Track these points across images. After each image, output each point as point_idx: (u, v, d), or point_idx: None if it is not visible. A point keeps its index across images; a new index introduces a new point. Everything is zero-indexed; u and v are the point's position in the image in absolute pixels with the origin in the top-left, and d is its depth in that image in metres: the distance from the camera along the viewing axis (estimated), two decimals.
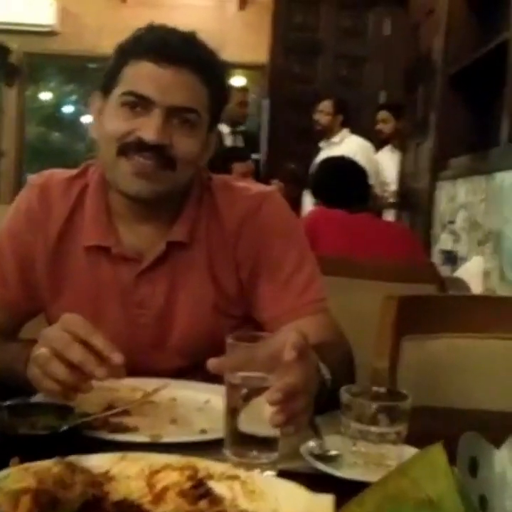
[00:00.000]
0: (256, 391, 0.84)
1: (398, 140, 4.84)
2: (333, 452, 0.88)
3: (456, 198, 3.59)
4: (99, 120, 1.18)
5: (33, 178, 1.27)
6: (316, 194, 2.71)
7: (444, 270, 3.27)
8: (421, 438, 0.89)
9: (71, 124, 9.47)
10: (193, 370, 1.20)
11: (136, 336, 1.21)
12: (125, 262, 1.20)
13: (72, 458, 0.75)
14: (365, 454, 0.87)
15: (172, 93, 1.11)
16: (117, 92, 1.14)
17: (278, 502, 0.71)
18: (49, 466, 0.71)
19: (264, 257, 1.20)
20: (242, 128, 5.32)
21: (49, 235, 1.21)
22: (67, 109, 9.79)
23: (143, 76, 1.12)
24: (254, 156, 5.10)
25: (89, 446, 0.86)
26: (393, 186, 4.82)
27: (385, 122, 4.93)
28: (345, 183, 2.58)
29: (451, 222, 3.59)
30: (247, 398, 0.85)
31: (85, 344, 0.93)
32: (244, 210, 1.21)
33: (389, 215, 4.82)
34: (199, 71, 1.13)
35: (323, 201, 2.59)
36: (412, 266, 2.21)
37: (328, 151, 4.72)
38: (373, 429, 0.85)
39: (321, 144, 4.97)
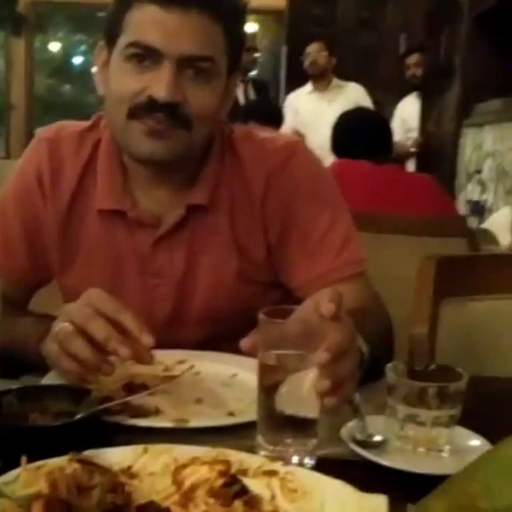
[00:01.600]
0: (293, 369, 0.75)
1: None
2: (377, 437, 0.79)
3: (483, 145, 3.44)
4: (104, 74, 1.06)
5: (41, 132, 1.15)
6: (338, 149, 2.57)
7: (471, 221, 3.15)
8: (470, 414, 0.81)
9: (81, 76, 9.27)
10: (216, 340, 1.11)
11: (155, 306, 1.12)
12: (142, 227, 1.10)
13: (90, 453, 0.67)
14: (413, 438, 0.78)
15: (182, 41, 0.98)
16: (122, 42, 1.01)
17: (323, 504, 0.63)
18: (63, 464, 0.63)
19: (295, 217, 1.09)
20: (252, 75, 5.14)
21: (60, 197, 1.11)
22: (77, 60, 9.58)
23: (148, 23, 0.99)
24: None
25: (107, 433, 0.78)
26: (415, 134, 4.65)
27: (419, 66, 4.69)
28: (370, 134, 2.44)
29: (478, 171, 3.45)
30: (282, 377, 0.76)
31: (112, 322, 0.85)
32: (271, 166, 1.09)
33: (410, 164, 4.67)
34: (210, 9, 0.99)
35: (346, 155, 2.45)
36: (441, 219, 2.10)
37: (333, 97, 4.57)
38: (424, 412, 0.76)
39: (311, 88, 4.74)
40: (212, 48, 1.01)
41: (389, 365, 0.80)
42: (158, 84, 0.98)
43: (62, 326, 0.87)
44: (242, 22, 1.10)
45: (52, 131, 1.14)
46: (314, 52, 4.65)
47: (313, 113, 4.68)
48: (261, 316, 0.77)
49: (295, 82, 5.14)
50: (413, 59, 4.77)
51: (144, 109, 0.99)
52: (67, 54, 9.31)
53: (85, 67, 9.23)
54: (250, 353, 0.77)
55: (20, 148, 6.61)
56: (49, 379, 0.92)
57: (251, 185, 1.09)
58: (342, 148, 2.53)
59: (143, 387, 0.93)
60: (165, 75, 0.98)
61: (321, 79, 4.71)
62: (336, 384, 0.72)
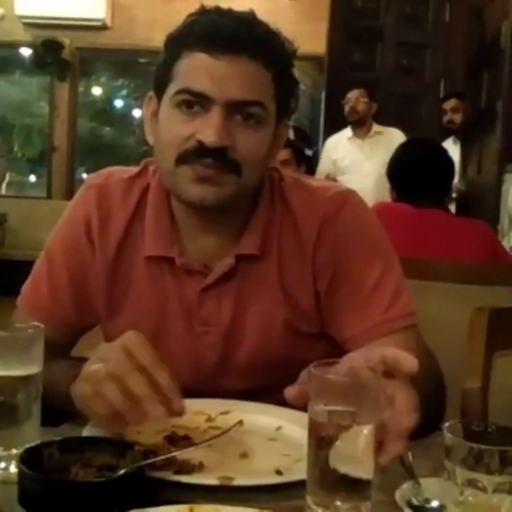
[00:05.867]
0: (345, 426, 0.72)
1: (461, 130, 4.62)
2: (434, 503, 0.75)
3: None
4: (153, 124, 1.06)
5: (90, 178, 1.15)
6: (393, 183, 2.42)
7: None
8: None
9: (122, 119, 9.47)
10: (261, 391, 1.08)
11: (201, 355, 1.09)
12: (190, 275, 1.09)
13: None
14: (473, 505, 0.73)
15: (231, 86, 0.98)
16: (171, 90, 1.01)
17: None
18: None
19: (346, 268, 1.07)
20: (290, 121, 5.16)
21: (108, 244, 1.10)
22: (118, 103, 9.80)
23: (197, 70, 0.99)
24: (307, 151, 4.94)
25: (150, 488, 0.75)
26: (456, 180, 4.60)
27: (455, 111, 4.69)
28: (435, 176, 2.26)
29: None
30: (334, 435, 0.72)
31: (147, 374, 0.82)
32: (324, 215, 1.07)
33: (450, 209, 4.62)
34: (259, 55, 0.99)
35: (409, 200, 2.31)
36: (487, 267, 2.04)
37: (373, 145, 4.56)
38: (485, 477, 0.72)
39: (351, 134, 4.71)
40: (261, 93, 1.00)
41: (446, 425, 0.76)
42: (207, 128, 0.97)
43: (96, 367, 0.84)
44: (291, 68, 1.09)
45: (101, 178, 1.14)
46: (354, 98, 4.63)
47: (352, 160, 4.67)
48: (311, 369, 0.74)
49: (334, 127, 5.16)
50: (450, 104, 4.76)
51: (193, 154, 0.99)
52: (108, 98, 9.53)
53: (126, 110, 9.44)
54: (294, 403, 0.74)
55: (62, 189, 6.74)
56: (89, 429, 0.90)
57: (302, 233, 1.07)
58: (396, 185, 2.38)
59: (185, 438, 0.90)
60: (214, 119, 0.97)
61: (360, 125, 4.68)
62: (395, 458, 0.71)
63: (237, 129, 0.99)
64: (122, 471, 0.73)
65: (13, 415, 0.80)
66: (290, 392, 0.75)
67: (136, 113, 8.90)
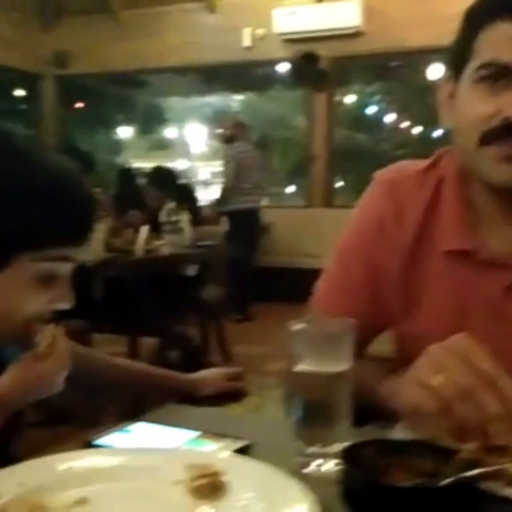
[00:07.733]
0: None
1: None
2: None
3: None
4: (450, 106, 1.01)
5: (379, 175, 1.13)
6: None
7: None
8: None
9: (375, 125, 9.48)
10: None
11: (508, 357, 0.99)
12: (493, 269, 1.00)
13: None
14: None
15: None
16: (471, 66, 0.95)
17: None
18: None
19: None
20: None
21: (402, 239, 1.06)
22: (371, 109, 9.85)
23: (502, 41, 0.92)
24: None
25: (480, 501, 0.68)
26: None
27: None
28: None
29: None
30: None
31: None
32: None
33: None
34: None
35: None
36: None
37: None
38: None
39: None
40: None
41: None
42: None
43: (442, 382, 0.78)
44: None
45: (391, 173, 1.11)
46: None
47: None
48: None
49: None
50: None
51: (499, 133, 0.92)
52: (362, 104, 9.62)
53: (379, 116, 9.44)
54: None
55: (320, 197, 6.93)
56: (398, 431, 0.86)
57: None
58: None
59: (504, 448, 0.81)
60: None
61: None
62: None
63: None
64: (450, 479, 0.67)
65: (329, 413, 0.79)
66: None
67: (389, 118, 8.86)
